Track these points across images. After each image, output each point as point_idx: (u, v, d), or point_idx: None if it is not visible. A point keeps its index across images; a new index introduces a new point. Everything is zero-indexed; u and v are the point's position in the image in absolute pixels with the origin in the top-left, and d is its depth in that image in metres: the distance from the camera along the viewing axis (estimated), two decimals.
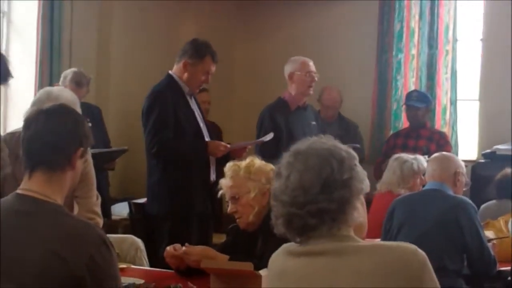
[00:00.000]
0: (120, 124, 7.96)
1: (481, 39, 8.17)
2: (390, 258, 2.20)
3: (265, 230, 3.96)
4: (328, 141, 2.38)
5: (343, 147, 2.37)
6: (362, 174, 2.35)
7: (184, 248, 3.98)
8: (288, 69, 6.39)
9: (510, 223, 5.11)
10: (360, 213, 2.38)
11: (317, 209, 2.27)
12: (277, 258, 2.43)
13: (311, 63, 6.37)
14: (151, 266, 4.69)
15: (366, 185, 2.36)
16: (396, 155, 6.00)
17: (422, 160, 5.68)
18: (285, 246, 2.42)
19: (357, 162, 2.36)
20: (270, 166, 4.04)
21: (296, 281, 2.31)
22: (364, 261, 2.21)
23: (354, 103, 8.24)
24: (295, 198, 2.29)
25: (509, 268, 4.63)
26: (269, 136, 5.77)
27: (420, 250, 2.25)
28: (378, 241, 4.77)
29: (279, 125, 6.23)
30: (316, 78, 6.35)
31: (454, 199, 4.74)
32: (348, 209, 2.30)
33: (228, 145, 5.52)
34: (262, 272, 3.52)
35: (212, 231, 5.65)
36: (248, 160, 4.05)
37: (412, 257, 2.22)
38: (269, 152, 6.15)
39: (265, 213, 3.99)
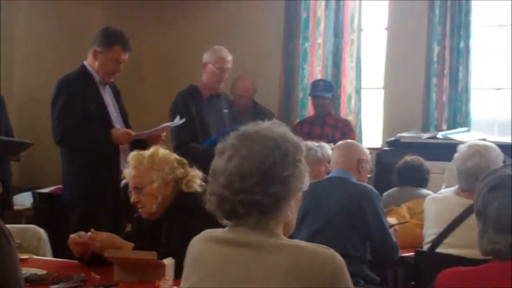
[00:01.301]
0: (25, 113, 7.83)
1: (386, 28, 8.30)
2: (307, 261, 2.18)
3: (169, 219, 3.97)
4: (278, 130, 2.31)
5: (292, 138, 2.31)
6: (304, 172, 2.31)
7: (89, 234, 3.95)
8: (204, 57, 6.49)
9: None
10: (292, 211, 2.35)
11: (250, 200, 2.23)
12: (196, 243, 2.40)
13: (228, 59, 6.44)
14: (60, 257, 4.63)
15: (305, 183, 2.32)
16: None
17: (327, 148, 5.73)
18: (207, 231, 2.39)
19: (302, 157, 2.31)
20: (173, 156, 4.04)
21: (209, 267, 2.29)
22: (281, 260, 2.19)
23: (261, 91, 8.26)
24: (232, 183, 2.24)
25: (411, 253, 4.71)
26: (178, 121, 5.76)
27: (338, 256, 2.22)
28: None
29: (192, 112, 6.26)
30: (226, 75, 6.42)
31: (357, 186, 4.79)
32: (282, 205, 2.26)
33: (133, 133, 5.50)
34: (166, 261, 3.52)
35: (124, 220, 5.61)
36: (152, 149, 4.03)
37: (329, 262, 2.20)
38: (184, 139, 6.22)
39: (168, 202, 3.99)
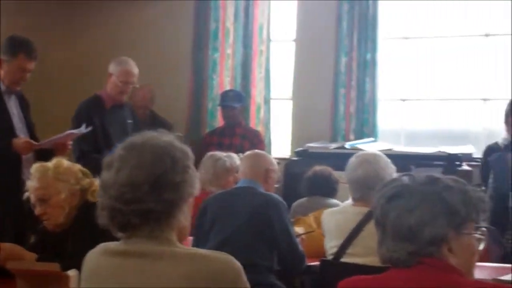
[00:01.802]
0: None
1: (294, 40, 8.38)
2: (205, 267, 2.18)
3: (75, 229, 3.91)
4: (165, 138, 2.31)
5: (180, 146, 2.31)
6: (194, 177, 2.31)
7: None
8: (110, 67, 6.42)
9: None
10: (186, 216, 2.35)
11: (143, 209, 2.21)
12: (92, 256, 2.37)
13: (132, 72, 6.37)
14: None
15: (196, 188, 2.32)
16: (210, 153, 6.05)
17: (235, 158, 5.74)
18: (102, 245, 2.37)
19: (191, 163, 2.31)
20: (77, 166, 4.00)
21: (105, 280, 2.26)
22: (178, 267, 2.18)
23: (170, 101, 8.24)
24: (123, 194, 2.22)
25: (317, 263, 4.75)
26: (82, 130, 5.70)
27: (235, 261, 2.22)
28: (191, 239, 4.82)
29: (94, 122, 6.19)
30: (129, 89, 6.37)
31: (264, 196, 4.81)
32: (175, 212, 2.26)
33: (35, 142, 5.42)
34: (70, 272, 3.47)
35: (29, 231, 5.50)
36: (55, 161, 3.97)
37: (227, 267, 2.20)
38: (86, 149, 6.14)
39: (74, 213, 3.94)
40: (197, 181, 2.31)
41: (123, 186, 2.23)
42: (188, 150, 2.32)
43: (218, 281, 2.16)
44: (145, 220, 2.23)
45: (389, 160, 4.67)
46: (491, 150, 6.37)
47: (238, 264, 2.22)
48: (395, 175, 4.27)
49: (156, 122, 7.58)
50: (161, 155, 2.25)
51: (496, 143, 6.53)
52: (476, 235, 2.16)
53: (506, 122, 6.35)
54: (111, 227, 2.29)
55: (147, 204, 2.21)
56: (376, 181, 4.55)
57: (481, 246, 2.17)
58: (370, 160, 4.61)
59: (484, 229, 2.18)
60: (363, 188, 4.57)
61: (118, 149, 2.30)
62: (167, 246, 2.24)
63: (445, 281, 2.04)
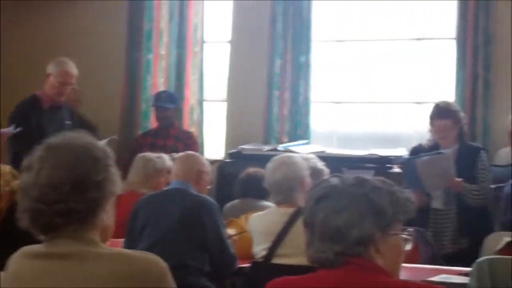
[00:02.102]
0: None
1: (229, 41, 8.38)
2: (129, 267, 2.16)
3: (2, 232, 3.85)
4: (85, 138, 2.29)
5: (100, 145, 2.29)
6: (115, 175, 2.28)
7: None
8: (49, 67, 6.40)
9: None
10: (109, 216, 2.33)
11: (66, 209, 2.18)
12: (15, 259, 2.31)
13: (70, 73, 6.33)
14: None
15: (118, 187, 2.30)
16: (141, 154, 6.02)
17: (166, 159, 5.73)
18: (25, 247, 2.31)
19: (112, 161, 2.29)
20: (7, 168, 3.94)
21: (28, 283, 2.22)
22: (102, 267, 2.15)
23: (103, 102, 8.18)
24: (45, 195, 2.19)
25: (248, 264, 4.76)
26: (10, 130, 5.63)
27: (161, 261, 2.21)
28: (122, 241, 4.78)
29: (31, 122, 6.13)
30: (67, 90, 6.32)
31: (197, 198, 4.80)
32: (98, 211, 2.23)
33: None
34: None
35: None
36: None
37: (152, 267, 2.18)
38: (20, 150, 6.05)
39: (3, 215, 3.89)
40: (119, 180, 2.30)
41: (44, 187, 2.20)
42: (109, 149, 2.31)
43: (142, 281, 2.15)
44: (68, 220, 2.21)
45: (304, 162, 4.75)
46: (415, 151, 6.46)
47: (163, 264, 2.21)
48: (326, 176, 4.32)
49: (80, 123, 7.47)
50: (81, 155, 2.23)
51: (420, 145, 6.61)
52: (403, 235, 2.18)
53: (431, 124, 6.44)
54: (34, 229, 2.25)
55: (69, 204, 2.19)
56: (296, 182, 4.61)
57: (408, 247, 2.19)
58: (287, 162, 4.68)
59: (410, 229, 2.20)
60: (285, 190, 4.64)
61: (38, 150, 2.28)
62: (91, 246, 2.22)
63: (372, 281, 2.05)
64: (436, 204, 5.93)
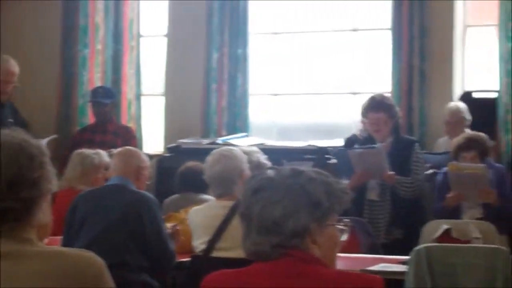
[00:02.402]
0: None
1: (165, 35, 8.34)
2: (66, 265, 2.12)
3: None
4: (19, 135, 2.22)
5: (35, 142, 2.24)
6: (51, 173, 2.23)
7: None
8: None
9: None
10: (45, 213, 2.30)
11: (1, 208, 2.12)
12: None
13: (11, 71, 6.24)
14: None
15: (54, 184, 2.25)
16: (78, 151, 5.97)
17: (104, 155, 5.69)
18: None
19: (47, 159, 2.23)
20: None
21: None
22: (38, 266, 2.11)
23: (39, 98, 8.09)
24: None
25: (188, 259, 4.76)
26: None
27: (98, 259, 2.19)
28: (60, 238, 4.74)
29: None
30: (9, 88, 6.23)
31: (136, 194, 4.78)
32: (35, 209, 2.17)
33: None
34: None
35: None
36: None
37: (89, 265, 2.14)
38: None
39: None
40: (54, 177, 2.27)
41: None
42: (43, 146, 2.28)
43: (79, 279, 2.13)
44: (4, 219, 2.17)
45: (243, 155, 4.76)
46: (350, 141, 6.53)
47: (100, 262, 2.19)
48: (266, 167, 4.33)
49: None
50: (15, 152, 2.19)
51: (354, 135, 6.70)
52: (339, 226, 2.19)
53: (365, 116, 6.51)
54: None
55: (5, 203, 2.15)
56: (235, 175, 4.62)
57: (344, 237, 2.21)
58: (226, 155, 4.68)
59: (347, 220, 2.22)
60: (224, 183, 4.65)
61: None
62: (28, 245, 2.19)
63: (308, 272, 2.06)
64: (371, 195, 5.99)
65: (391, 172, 5.89)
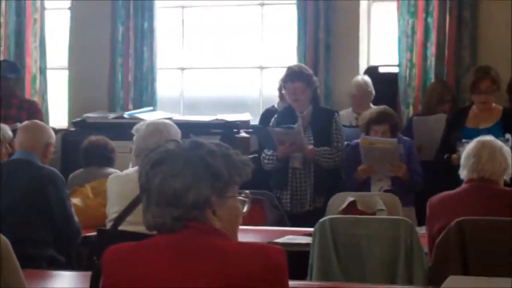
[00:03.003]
0: None
1: (69, 8, 8.22)
2: None
3: None
4: None
5: None
6: None
7: None
8: None
9: None
10: None
11: None
12: None
13: None
14: None
15: None
16: None
17: (7, 129, 5.58)
18: None
19: None
20: None
21: None
22: None
23: None
24: None
25: (94, 233, 4.72)
26: None
27: (2, 237, 2.16)
28: None
29: None
30: None
31: (41, 169, 4.73)
32: None
33: None
34: None
35: None
36: None
37: None
38: None
39: None
40: None
41: None
42: None
43: None
44: None
45: (178, 129, 4.66)
46: (269, 112, 6.59)
47: (3, 238, 2.15)
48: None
49: None
50: None
51: (273, 106, 6.77)
52: (240, 198, 2.19)
53: (280, 89, 6.57)
54: None
55: None
56: None
57: (245, 209, 2.21)
58: (161, 128, 4.55)
59: (247, 192, 2.22)
60: None
61: None
62: None
63: (209, 244, 2.06)
64: (295, 163, 6.04)
65: (311, 147, 5.95)
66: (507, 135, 5.76)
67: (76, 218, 4.76)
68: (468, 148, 4.39)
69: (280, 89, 6.60)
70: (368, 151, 5.89)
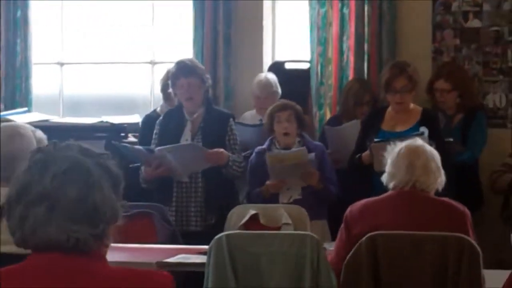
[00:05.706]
0: None
1: None
2: None
3: None
4: None
5: None
6: None
7: None
8: None
9: None
10: None
11: None
12: None
13: None
14: None
15: None
16: None
17: None
18: None
19: None
20: None
21: None
22: None
23: None
24: None
25: None
26: None
27: None
28: None
29: None
30: None
31: None
32: None
33: None
34: None
35: None
36: None
37: None
38: None
39: None
40: None
41: None
42: None
43: None
44: None
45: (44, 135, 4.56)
46: (149, 119, 6.52)
47: None
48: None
49: None
50: None
51: (154, 111, 6.69)
52: None
53: (163, 90, 6.51)
54: None
55: None
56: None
57: (119, 222, 2.20)
58: (22, 133, 4.46)
59: (126, 203, 2.20)
60: (15, 165, 4.43)
61: None
62: None
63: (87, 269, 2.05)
64: (182, 177, 5.93)
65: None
66: (422, 128, 5.75)
67: None
68: (395, 153, 4.41)
69: (164, 89, 6.52)
70: (276, 169, 5.85)
